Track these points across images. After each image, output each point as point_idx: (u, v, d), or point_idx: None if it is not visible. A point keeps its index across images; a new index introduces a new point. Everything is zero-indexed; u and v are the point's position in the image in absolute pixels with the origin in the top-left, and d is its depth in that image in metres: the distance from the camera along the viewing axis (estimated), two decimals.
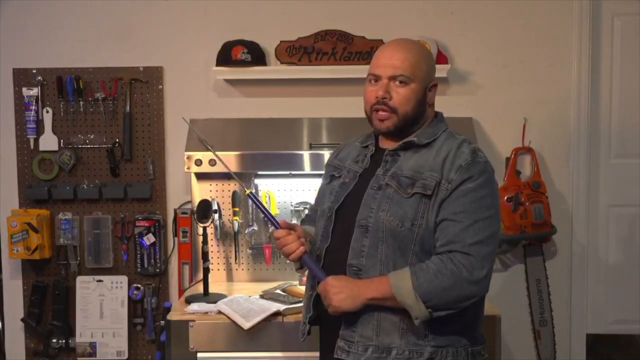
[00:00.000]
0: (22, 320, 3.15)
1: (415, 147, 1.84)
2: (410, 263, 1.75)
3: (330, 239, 1.87)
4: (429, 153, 1.81)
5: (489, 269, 1.74)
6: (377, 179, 1.83)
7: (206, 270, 2.76)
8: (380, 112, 1.83)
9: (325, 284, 1.80)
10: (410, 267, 1.74)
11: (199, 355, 2.50)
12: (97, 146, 3.11)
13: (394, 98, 1.81)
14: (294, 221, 2.98)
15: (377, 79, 1.83)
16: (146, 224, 3.09)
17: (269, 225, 3.02)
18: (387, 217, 1.76)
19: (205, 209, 2.82)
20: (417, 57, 1.82)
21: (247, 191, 2.03)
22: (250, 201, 3.00)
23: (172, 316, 2.55)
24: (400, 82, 1.80)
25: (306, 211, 2.96)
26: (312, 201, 2.97)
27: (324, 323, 1.95)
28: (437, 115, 1.92)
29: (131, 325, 3.14)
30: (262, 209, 2.01)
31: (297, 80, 3.06)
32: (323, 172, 2.89)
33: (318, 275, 1.84)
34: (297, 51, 3.02)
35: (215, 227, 3.00)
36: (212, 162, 2.89)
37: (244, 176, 3.02)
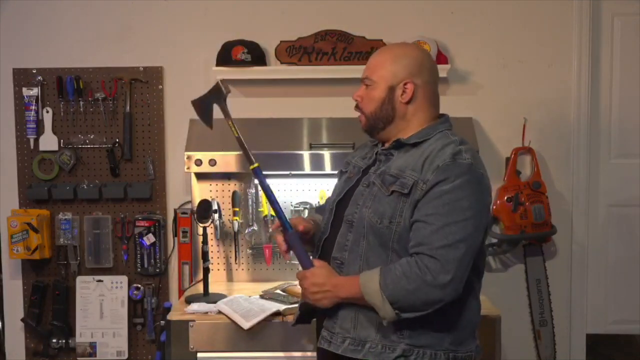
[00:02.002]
0: (22, 320, 3.15)
1: (406, 146, 1.86)
2: (391, 260, 1.78)
3: (329, 232, 1.92)
4: (417, 152, 1.83)
5: (456, 274, 1.70)
6: (368, 177, 1.89)
7: (206, 270, 2.76)
8: (358, 114, 1.95)
9: (305, 280, 1.86)
10: (381, 267, 1.75)
11: (199, 355, 2.50)
12: (97, 146, 3.11)
13: (363, 100, 1.91)
14: None
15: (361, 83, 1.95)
16: (146, 224, 3.09)
17: (267, 222, 3.02)
18: (369, 214, 1.80)
19: (205, 209, 2.82)
20: (384, 59, 1.89)
21: (252, 166, 1.98)
22: (250, 197, 3.01)
23: (172, 316, 2.55)
24: (366, 85, 1.90)
25: (306, 212, 2.98)
26: (312, 201, 3.01)
27: (318, 314, 1.98)
28: (443, 117, 1.93)
29: (131, 325, 3.13)
30: (269, 194, 1.99)
31: (297, 80, 3.05)
32: (323, 172, 2.94)
33: (304, 262, 1.89)
34: (297, 51, 3.01)
35: (215, 227, 3.00)
36: (212, 162, 2.89)
37: (244, 176, 3.03)
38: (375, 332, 1.80)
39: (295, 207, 3.03)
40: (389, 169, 1.84)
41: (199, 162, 2.90)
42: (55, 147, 3.10)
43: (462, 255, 1.71)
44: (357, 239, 1.83)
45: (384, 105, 1.87)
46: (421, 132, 1.87)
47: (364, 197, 1.85)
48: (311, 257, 1.92)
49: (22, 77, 3.09)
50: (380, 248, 1.79)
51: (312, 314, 2.01)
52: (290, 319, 2.48)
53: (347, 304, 1.82)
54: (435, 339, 1.79)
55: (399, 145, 1.87)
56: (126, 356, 3.12)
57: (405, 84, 1.85)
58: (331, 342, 1.85)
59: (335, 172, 2.88)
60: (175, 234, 3.08)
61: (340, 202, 1.93)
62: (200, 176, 3.03)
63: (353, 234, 1.84)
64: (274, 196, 1.99)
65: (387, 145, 1.92)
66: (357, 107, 1.93)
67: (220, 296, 2.70)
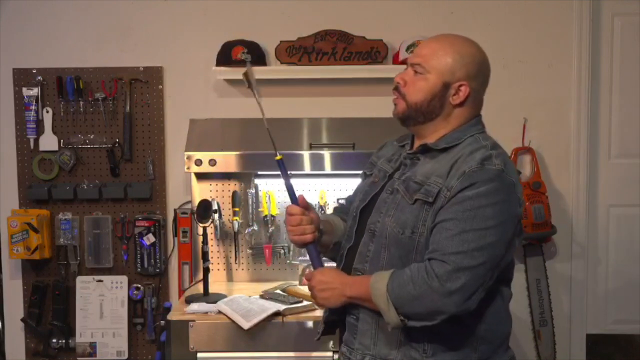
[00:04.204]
0: (22, 320, 3.15)
1: (433, 151, 1.73)
2: None
3: (354, 240, 1.82)
4: (445, 158, 1.70)
5: (467, 284, 1.55)
6: (392, 183, 1.77)
7: (206, 270, 2.76)
8: (394, 96, 1.78)
9: (312, 279, 1.79)
10: (394, 270, 1.65)
11: (199, 355, 2.50)
12: (97, 146, 3.11)
13: (407, 85, 1.74)
14: None
15: (407, 66, 1.79)
16: (146, 224, 3.09)
17: (267, 222, 3.01)
18: (391, 223, 1.70)
19: (205, 209, 2.82)
20: (444, 50, 1.71)
21: (278, 157, 1.96)
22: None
23: (172, 316, 2.55)
24: (416, 71, 1.73)
25: None
26: (312, 201, 3.00)
27: (341, 325, 1.90)
28: (474, 119, 1.79)
29: (131, 325, 3.13)
30: (287, 178, 1.96)
31: (297, 80, 3.05)
32: (323, 172, 2.93)
33: (315, 266, 1.84)
34: (297, 51, 3.01)
35: (215, 227, 3.00)
36: (212, 162, 2.89)
37: (244, 176, 3.02)
38: (397, 349, 1.69)
39: None
40: (414, 176, 1.71)
41: (199, 162, 2.90)
42: (55, 147, 3.10)
43: (477, 265, 1.57)
44: (379, 249, 1.72)
45: (434, 100, 1.71)
46: (450, 136, 1.73)
47: (387, 204, 1.73)
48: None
49: (22, 77, 3.09)
50: (403, 259, 1.67)
51: (335, 325, 1.92)
52: (291, 319, 2.49)
53: (366, 319, 1.74)
54: (461, 355, 1.68)
55: (426, 149, 1.74)
56: (126, 356, 3.12)
57: (460, 85, 1.71)
58: (350, 358, 1.77)
59: (335, 172, 2.89)
60: (175, 234, 3.08)
61: (364, 209, 1.81)
62: (200, 176, 3.03)
63: (375, 244, 1.73)
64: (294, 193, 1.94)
65: (413, 148, 1.79)
66: (397, 90, 1.75)
67: (220, 296, 2.70)
